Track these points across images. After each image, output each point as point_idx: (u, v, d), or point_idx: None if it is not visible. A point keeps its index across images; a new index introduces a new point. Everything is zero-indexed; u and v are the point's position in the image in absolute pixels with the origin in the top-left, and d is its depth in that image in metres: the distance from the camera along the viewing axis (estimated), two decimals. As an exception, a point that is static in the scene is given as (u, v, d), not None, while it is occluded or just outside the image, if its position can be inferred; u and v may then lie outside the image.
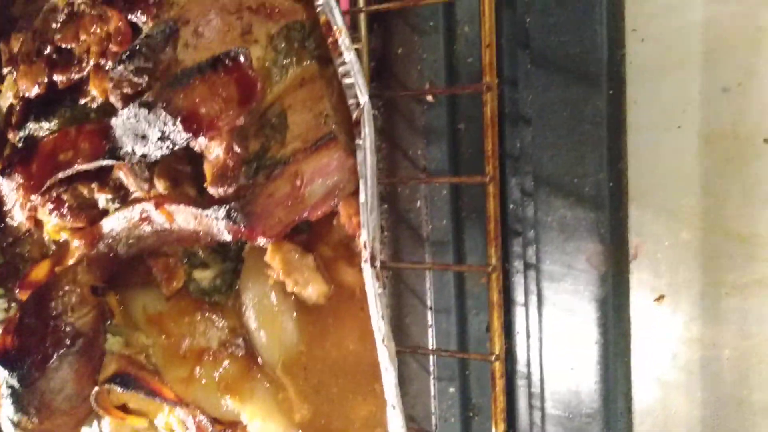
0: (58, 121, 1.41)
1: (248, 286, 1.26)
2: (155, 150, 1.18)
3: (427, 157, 2.09)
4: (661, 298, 1.32)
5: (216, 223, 1.19)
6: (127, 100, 1.18)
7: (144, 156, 1.20)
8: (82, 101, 1.39)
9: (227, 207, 1.14)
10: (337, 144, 1.17)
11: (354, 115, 1.12)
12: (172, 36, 1.17)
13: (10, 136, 1.45)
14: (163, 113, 1.14)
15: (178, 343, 1.32)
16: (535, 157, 1.57)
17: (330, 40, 1.12)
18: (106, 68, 1.33)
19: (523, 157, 1.84)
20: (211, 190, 1.19)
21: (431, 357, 1.37)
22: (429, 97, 2.07)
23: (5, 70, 1.48)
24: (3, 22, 1.53)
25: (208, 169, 1.20)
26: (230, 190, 1.16)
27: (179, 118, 1.14)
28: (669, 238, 1.35)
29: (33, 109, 1.44)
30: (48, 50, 1.34)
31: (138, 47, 1.15)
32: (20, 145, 1.46)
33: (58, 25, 1.33)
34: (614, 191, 1.27)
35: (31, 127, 1.43)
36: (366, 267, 1.07)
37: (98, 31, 1.28)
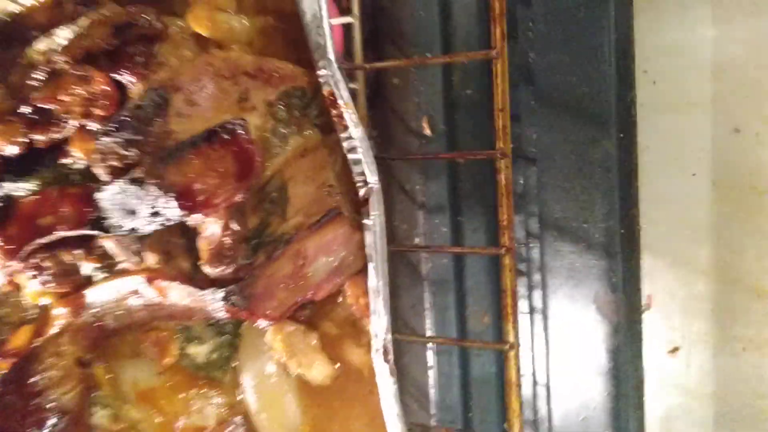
0: (37, 182, 1.31)
1: (247, 365, 1.18)
2: (146, 225, 1.10)
3: (426, 192, 2.03)
4: (675, 350, 1.28)
5: (213, 304, 1.10)
6: (114, 173, 1.09)
7: (133, 230, 1.12)
8: (64, 161, 1.29)
9: (226, 290, 1.07)
10: (342, 219, 1.09)
11: (361, 193, 1.04)
12: (162, 106, 1.08)
13: (-16, 195, 1.35)
14: (155, 189, 1.05)
15: (172, 421, 1.24)
16: (541, 198, 1.50)
17: (334, 113, 1.04)
18: (90, 130, 1.24)
19: (527, 195, 1.77)
20: (207, 270, 1.10)
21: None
22: (427, 130, 2.00)
23: (-21, 126, 1.37)
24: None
25: (203, 246, 1.12)
26: (228, 271, 1.08)
27: (172, 195, 1.05)
28: (683, 289, 1.31)
29: (9, 167, 1.34)
30: (25, 110, 1.24)
31: (126, 118, 1.06)
32: (-2, 204, 1.36)
33: (37, 83, 1.22)
34: (626, 239, 1.22)
35: (8, 186, 1.33)
36: (378, 359, 1.00)
37: (81, 92, 1.19)
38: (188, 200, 1.05)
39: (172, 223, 1.08)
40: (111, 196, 1.09)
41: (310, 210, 1.09)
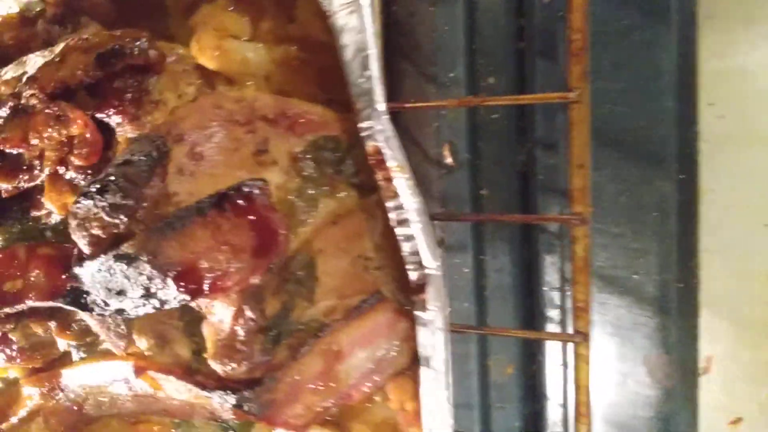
0: (1, 237, 1.07)
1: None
2: (136, 308, 0.86)
3: (446, 228, 1.82)
4: (737, 421, 1.13)
5: (221, 406, 0.87)
6: (97, 244, 0.85)
7: (120, 311, 0.88)
8: (35, 213, 1.05)
9: (238, 397, 0.83)
10: (385, 304, 0.86)
11: (413, 276, 0.82)
12: (160, 160, 0.84)
13: (-64, 248, 1.11)
14: (149, 268, 0.82)
15: None
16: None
17: (381, 176, 0.81)
18: (66, 177, 1.00)
19: (566, 236, 1.59)
20: (214, 366, 0.87)
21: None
22: (448, 159, 1.78)
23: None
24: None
25: (209, 336, 0.89)
26: (241, 369, 0.85)
27: (171, 276, 0.82)
28: (747, 353, 1.15)
29: (-34, 218, 1.09)
30: (-14, 153, 0.99)
31: (113, 179, 0.83)
32: (-49, 261, 1.11)
33: (1, 121, 0.98)
34: (683, 293, 1.08)
35: (-34, 241, 1.09)
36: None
37: (55, 134, 0.94)
38: (191, 282, 0.82)
39: (169, 307, 0.84)
40: (93, 272, 0.85)
41: (344, 290, 0.87)
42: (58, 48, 0.96)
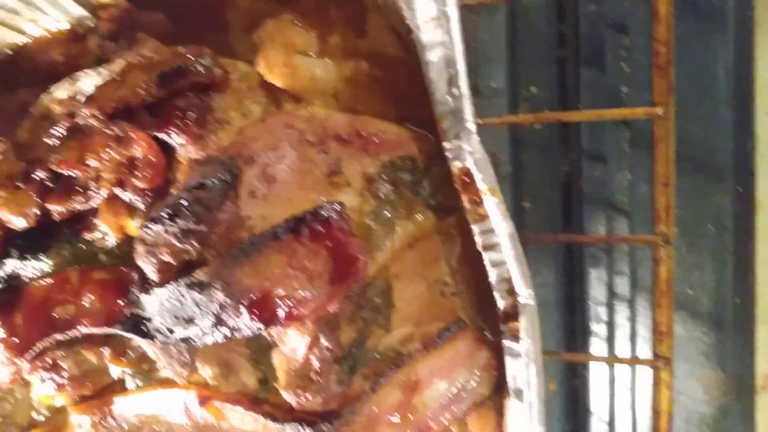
0: (52, 261, 1.03)
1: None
2: (205, 337, 0.82)
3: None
4: None
5: (293, 440, 0.83)
6: (166, 271, 0.81)
7: (186, 340, 0.84)
8: (87, 236, 1.01)
9: (315, 429, 0.79)
10: (465, 333, 0.82)
11: (502, 304, 0.78)
12: (231, 183, 0.80)
13: (-17, 274, 1.07)
14: (222, 296, 0.78)
15: None
16: (634, 256, 1.30)
17: (468, 198, 0.77)
18: (124, 199, 0.96)
19: (615, 250, 1.55)
20: (288, 397, 0.83)
21: None
22: (488, 171, 1.75)
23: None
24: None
25: (281, 365, 0.85)
26: (316, 401, 0.81)
27: (245, 304, 0.78)
28: None
29: (17, 240, 1.05)
30: (39, 174, 0.95)
31: (185, 203, 0.79)
32: (-1, 286, 1.07)
33: (55, 141, 0.94)
34: (740, 309, 1.08)
35: (14, 264, 1.04)
36: None
37: (115, 156, 0.91)
38: (266, 310, 0.79)
39: (240, 336, 0.80)
40: (161, 300, 0.81)
41: (421, 317, 0.83)
42: (118, 66, 0.92)
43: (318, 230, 0.78)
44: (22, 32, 1.06)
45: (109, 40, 0.99)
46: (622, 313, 1.47)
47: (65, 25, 1.04)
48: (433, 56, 0.75)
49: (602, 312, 1.55)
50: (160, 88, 0.90)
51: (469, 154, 0.74)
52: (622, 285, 1.45)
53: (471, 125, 0.73)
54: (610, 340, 1.51)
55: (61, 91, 0.96)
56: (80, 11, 1.00)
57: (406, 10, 0.75)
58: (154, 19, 0.98)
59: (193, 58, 0.90)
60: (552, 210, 1.68)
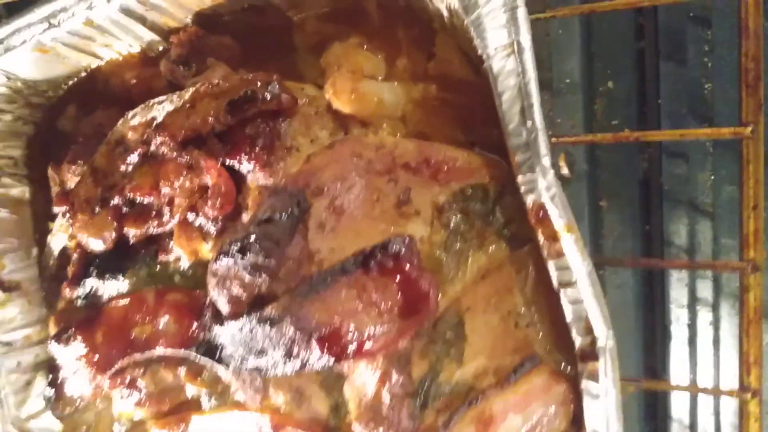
0: (129, 281, 1.06)
1: None
2: (275, 367, 0.82)
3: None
4: None
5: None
6: (237, 303, 0.82)
7: (258, 369, 0.84)
8: (163, 258, 1.02)
9: (387, 464, 0.78)
10: (541, 368, 0.79)
11: (578, 342, 0.75)
12: (301, 216, 0.79)
13: (66, 290, 1.10)
14: (292, 330, 0.77)
15: None
16: (718, 259, 1.24)
17: (543, 233, 0.73)
18: (196, 224, 0.97)
19: (696, 249, 1.50)
20: (359, 429, 0.82)
21: None
22: (564, 170, 1.69)
23: (57, 209, 1.12)
24: (50, 137, 1.17)
25: (352, 396, 0.84)
26: (388, 435, 0.80)
27: (315, 338, 0.77)
28: None
29: (96, 260, 1.08)
30: (115, 200, 0.97)
31: (254, 239, 0.78)
32: (79, 303, 1.11)
33: (129, 167, 0.96)
34: None
35: (93, 284, 1.07)
36: None
37: (187, 183, 0.91)
38: (336, 345, 0.78)
39: (310, 369, 0.80)
40: (233, 332, 0.81)
41: (494, 350, 0.81)
42: (187, 94, 0.93)
43: (388, 265, 0.77)
44: (96, 57, 1.07)
45: (179, 64, 0.99)
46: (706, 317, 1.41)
47: (136, 49, 1.05)
48: (506, 86, 0.72)
49: (683, 315, 1.49)
50: (230, 115, 0.90)
51: (544, 189, 0.70)
52: (703, 287, 1.40)
53: (546, 160, 0.70)
54: (692, 343, 1.45)
55: (135, 118, 0.97)
56: (151, 36, 1.01)
57: (477, 39, 0.72)
58: (223, 43, 0.98)
59: (261, 86, 0.89)
60: (630, 207, 1.62)
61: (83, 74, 1.11)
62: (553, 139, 0.83)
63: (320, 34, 0.90)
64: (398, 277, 0.77)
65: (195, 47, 0.97)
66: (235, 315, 0.82)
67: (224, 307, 0.83)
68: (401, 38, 0.85)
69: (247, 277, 0.80)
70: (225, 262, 0.81)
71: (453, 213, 0.81)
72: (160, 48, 1.04)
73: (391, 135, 0.88)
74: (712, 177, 1.42)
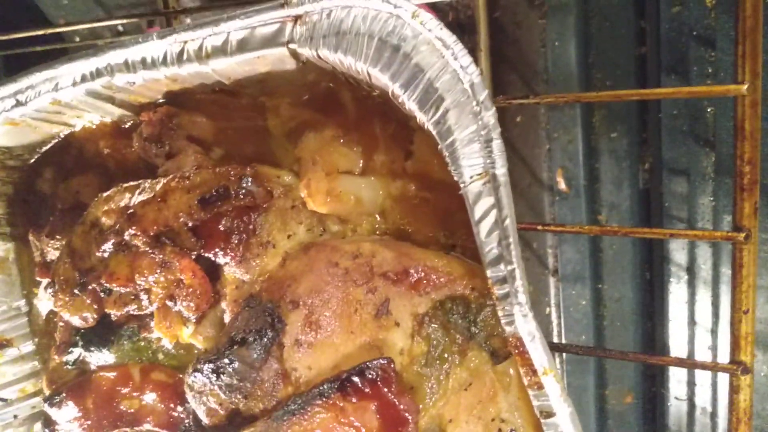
0: (114, 354, 1.05)
1: None
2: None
3: (560, 257, 1.71)
4: None
5: None
6: (215, 416, 0.81)
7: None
8: (146, 335, 1.01)
9: None
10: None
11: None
12: (275, 334, 0.77)
13: (54, 356, 1.10)
14: (271, 450, 0.76)
15: None
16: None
17: (522, 364, 0.71)
18: (175, 310, 0.95)
19: (698, 272, 1.50)
20: None
21: None
22: (562, 185, 1.65)
23: (39, 279, 1.10)
24: (29, 197, 1.15)
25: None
26: None
27: (294, 460, 0.76)
28: None
29: (80, 330, 1.07)
30: (92, 285, 0.95)
31: (227, 362, 0.76)
32: (69, 368, 1.11)
33: (104, 253, 0.93)
34: None
35: (81, 352, 1.07)
36: None
37: (161, 279, 0.89)
38: (315, 466, 0.76)
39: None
40: (212, 443, 0.81)
41: (478, 459, 0.79)
42: (158, 185, 0.89)
43: (365, 390, 0.75)
44: (69, 125, 1.04)
45: (152, 143, 0.95)
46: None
47: (109, 120, 1.01)
48: (482, 215, 0.68)
49: (682, 329, 1.49)
50: (202, 211, 0.86)
51: (525, 334, 0.67)
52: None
53: (522, 297, 0.67)
54: (690, 358, 1.44)
55: (109, 202, 0.94)
56: (122, 111, 0.97)
57: (452, 165, 0.68)
58: (196, 122, 0.93)
59: (234, 180, 0.85)
60: (630, 220, 1.59)
61: (58, 140, 1.07)
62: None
63: (295, 120, 0.86)
64: (376, 401, 0.75)
65: (166, 126, 0.93)
66: (214, 427, 0.81)
67: (203, 418, 0.82)
68: (378, 133, 0.80)
69: (223, 396, 0.79)
70: (200, 379, 0.79)
71: (433, 325, 0.79)
72: (132, 122, 0.99)
73: (370, 232, 0.84)
74: (712, 200, 1.40)
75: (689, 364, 1.10)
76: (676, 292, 1.48)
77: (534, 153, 1.64)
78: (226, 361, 0.75)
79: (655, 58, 1.46)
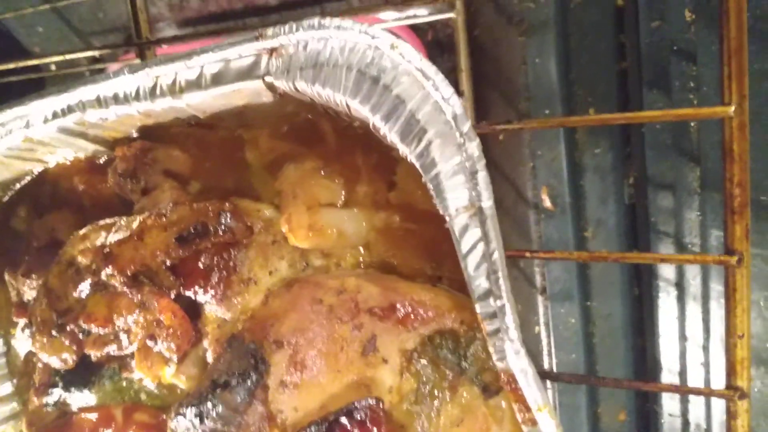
0: (95, 395, 1.01)
1: None
2: None
3: (547, 276, 1.69)
4: None
5: None
6: (199, 460, 0.77)
7: None
8: (127, 375, 0.98)
9: None
10: None
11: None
12: (260, 376, 0.74)
13: (34, 398, 1.06)
14: (258, 496, 0.73)
15: None
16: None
17: (515, 403, 0.68)
18: (156, 350, 0.92)
19: (686, 289, 1.49)
20: None
21: None
22: (547, 203, 1.63)
23: (16, 319, 1.07)
24: (3, 235, 1.11)
25: None
26: None
27: (282, 505, 0.73)
28: None
29: (60, 371, 1.04)
30: (70, 326, 0.92)
31: (210, 405, 0.73)
32: (49, 410, 1.07)
33: (81, 293, 0.90)
34: None
35: (61, 393, 1.04)
36: None
37: (140, 319, 0.86)
38: None
39: None
40: (197, 490, 0.77)
41: (472, 496, 0.76)
42: (135, 222, 0.86)
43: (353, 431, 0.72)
44: (42, 162, 1.01)
45: (127, 178, 0.92)
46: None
47: (83, 156, 0.98)
48: (469, 248, 0.66)
49: (673, 346, 1.48)
50: (180, 248, 0.83)
51: (518, 371, 0.65)
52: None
53: (513, 333, 0.64)
54: (682, 375, 1.43)
55: (85, 241, 0.91)
56: (96, 146, 0.94)
57: (436, 198, 0.66)
58: (172, 155, 0.91)
59: (212, 217, 0.83)
60: (616, 235, 1.57)
61: (31, 177, 1.04)
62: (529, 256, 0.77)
63: (275, 152, 0.83)
64: (365, 442, 0.72)
65: (141, 161, 0.90)
66: (197, 475, 0.78)
67: (186, 462, 0.79)
68: (360, 164, 0.78)
69: (206, 440, 0.76)
70: (183, 423, 0.76)
71: (422, 360, 0.76)
72: (106, 157, 0.96)
73: (355, 265, 0.82)
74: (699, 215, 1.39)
75: (685, 390, 1.09)
76: (666, 307, 1.47)
77: (518, 171, 1.63)
78: (210, 405, 0.73)
79: (637, 73, 1.46)
